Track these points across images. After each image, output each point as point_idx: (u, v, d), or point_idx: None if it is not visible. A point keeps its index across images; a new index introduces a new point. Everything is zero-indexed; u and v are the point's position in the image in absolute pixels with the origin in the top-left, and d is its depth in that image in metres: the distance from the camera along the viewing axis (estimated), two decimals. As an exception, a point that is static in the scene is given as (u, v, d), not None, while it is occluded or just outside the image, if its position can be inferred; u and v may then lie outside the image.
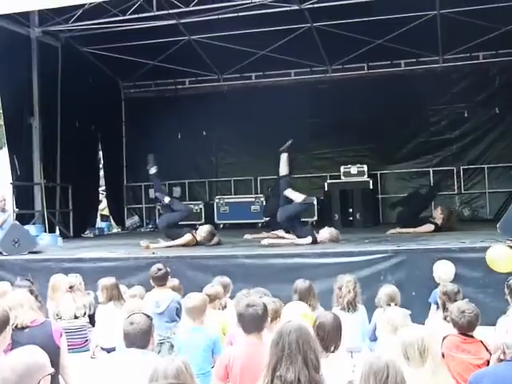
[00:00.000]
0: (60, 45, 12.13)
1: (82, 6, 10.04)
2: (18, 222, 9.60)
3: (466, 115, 12.85)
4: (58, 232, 11.40)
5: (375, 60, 13.07)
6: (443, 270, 5.71)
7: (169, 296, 5.73)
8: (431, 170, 13.00)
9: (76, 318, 5.24)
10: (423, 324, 5.53)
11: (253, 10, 10.76)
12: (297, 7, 10.95)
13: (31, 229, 10.26)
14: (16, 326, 3.73)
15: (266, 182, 13.93)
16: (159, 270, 5.86)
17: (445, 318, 5.02)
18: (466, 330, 4.10)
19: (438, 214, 9.66)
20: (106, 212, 15.14)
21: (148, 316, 3.60)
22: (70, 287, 5.57)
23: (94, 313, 5.86)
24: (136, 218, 14.79)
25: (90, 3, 9.79)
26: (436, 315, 5.30)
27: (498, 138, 12.82)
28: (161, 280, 5.84)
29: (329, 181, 12.43)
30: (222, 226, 13.24)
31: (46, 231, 10.99)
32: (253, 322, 3.69)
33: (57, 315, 5.20)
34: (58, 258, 7.87)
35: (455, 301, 5.05)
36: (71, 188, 12.24)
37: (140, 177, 14.67)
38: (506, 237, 6.65)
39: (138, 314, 3.59)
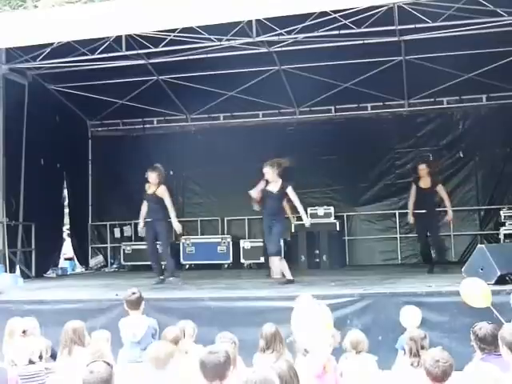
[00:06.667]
0: (27, 82, 11.96)
1: (51, 44, 9.99)
2: (-23, 263, 9.37)
3: (431, 158, 13.02)
4: (18, 272, 11.12)
5: (342, 103, 13.23)
6: (410, 316, 5.68)
7: (144, 323, 5.83)
8: (397, 212, 13.08)
9: (32, 363, 5.04)
10: (390, 369, 5.49)
11: (221, 52, 10.87)
12: (265, 50, 11.08)
13: (-9, 269, 10.02)
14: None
15: (233, 222, 13.86)
16: (133, 293, 5.98)
17: (411, 364, 4.99)
18: (439, 379, 3.94)
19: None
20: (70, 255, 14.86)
21: (108, 364, 3.47)
22: (24, 331, 5.37)
23: (53, 354, 5.64)
24: (100, 257, 14.53)
25: (59, 42, 9.76)
26: (403, 361, 5.26)
27: (461, 181, 13.01)
28: (134, 304, 5.94)
29: (295, 222, 12.41)
30: (187, 266, 13.10)
31: (6, 271, 10.71)
32: (214, 370, 3.56)
33: (12, 361, 5.00)
34: (17, 299, 7.65)
35: (422, 346, 5.03)
36: (34, 226, 11.95)
37: (105, 216, 14.51)
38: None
39: (98, 362, 3.46)
